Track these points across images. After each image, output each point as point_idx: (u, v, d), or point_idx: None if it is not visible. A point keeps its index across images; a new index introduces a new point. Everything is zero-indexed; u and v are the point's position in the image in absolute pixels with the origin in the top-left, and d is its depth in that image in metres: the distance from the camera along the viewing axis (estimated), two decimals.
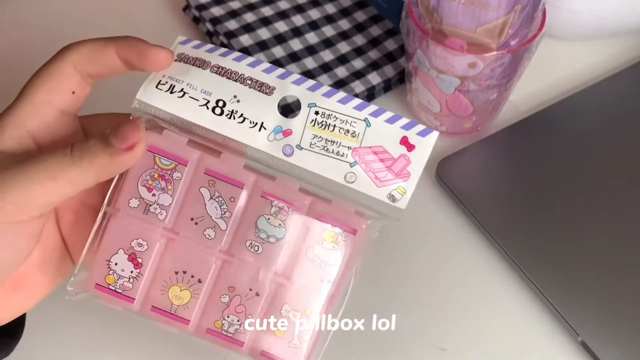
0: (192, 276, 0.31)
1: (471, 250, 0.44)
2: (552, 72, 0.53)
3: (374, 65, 0.52)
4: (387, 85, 0.51)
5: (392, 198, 0.31)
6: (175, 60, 0.32)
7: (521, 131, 0.48)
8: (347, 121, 0.31)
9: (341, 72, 0.51)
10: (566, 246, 0.42)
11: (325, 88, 0.31)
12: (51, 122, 0.31)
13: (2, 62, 0.56)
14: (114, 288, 0.31)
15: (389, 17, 0.54)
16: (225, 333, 0.31)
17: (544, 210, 0.44)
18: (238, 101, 0.31)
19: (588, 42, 0.55)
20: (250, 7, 0.55)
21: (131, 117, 0.31)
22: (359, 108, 0.31)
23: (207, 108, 0.31)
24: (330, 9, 0.56)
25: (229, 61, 0.31)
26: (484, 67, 0.42)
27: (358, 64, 0.52)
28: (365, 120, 0.31)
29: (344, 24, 0.55)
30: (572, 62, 0.54)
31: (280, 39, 0.53)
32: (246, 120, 0.31)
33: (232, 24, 0.53)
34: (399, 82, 0.52)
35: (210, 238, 0.31)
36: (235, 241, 0.31)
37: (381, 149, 0.31)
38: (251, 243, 0.31)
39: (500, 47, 0.42)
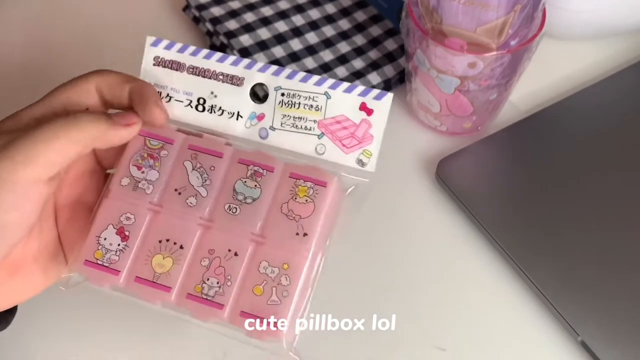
0: (175, 243, 0.33)
1: (471, 250, 0.44)
2: (552, 72, 0.53)
3: (374, 65, 0.52)
4: (387, 85, 0.51)
5: (361, 162, 0.33)
6: (154, 65, 0.35)
7: (521, 131, 0.48)
8: (309, 97, 0.34)
9: (341, 72, 0.51)
10: (566, 246, 0.42)
11: (287, 71, 0.34)
12: None
13: (1, 60, 0.56)
14: (101, 262, 0.33)
15: (389, 17, 0.54)
16: (205, 297, 0.32)
17: (543, 210, 0.44)
18: (215, 96, 0.35)
19: (588, 42, 0.55)
20: (250, 7, 0.55)
21: None
22: (318, 84, 0.34)
23: (191, 107, 0.35)
24: (330, 8, 0.56)
25: (200, 60, 0.35)
26: (483, 67, 0.42)
27: (358, 64, 0.52)
28: (325, 93, 0.34)
29: (344, 24, 0.55)
30: (572, 62, 0.54)
31: (280, 39, 0.53)
32: (224, 112, 0.35)
33: (232, 24, 0.53)
34: (399, 82, 0.52)
35: (192, 205, 0.33)
36: (215, 207, 0.33)
37: (343, 118, 0.34)
38: (229, 206, 0.33)
39: (500, 47, 0.42)
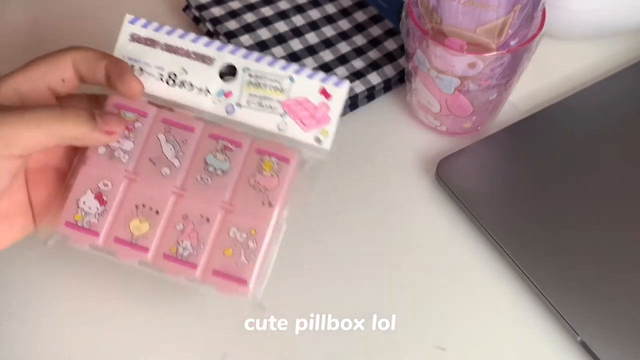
0: (151, 209, 0.36)
1: (471, 249, 0.44)
2: (551, 72, 0.53)
3: (374, 66, 0.52)
4: (387, 86, 0.51)
5: (318, 140, 0.37)
6: (130, 41, 0.38)
7: (521, 131, 0.48)
8: (275, 80, 0.37)
9: (341, 72, 0.52)
10: (566, 246, 0.42)
11: (256, 54, 0.37)
12: (40, 91, 0.36)
13: (1, 59, 0.56)
14: (81, 224, 0.36)
15: (389, 17, 0.55)
16: (180, 257, 0.35)
17: (543, 209, 0.44)
18: (186, 72, 0.38)
19: (588, 42, 0.55)
20: (251, 8, 0.55)
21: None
22: (284, 69, 0.37)
23: (162, 80, 0.38)
24: (330, 9, 0.56)
25: (175, 38, 0.38)
26: (483, 67, 0.42)
27: (358, 64, 0.52)
28: (290, 77, 0.37)
29: (344, 24, 0.55)
30: (572, 62, 0.54)
31: (280, 39, 0.53)
32: (194, 87, 0.37)
33: (232, 24, 0.53)
34: (399, 82, 0.52)
35: (166, 175, 0.36)
36: (188, 177, 0.36)
37: (305, 100, 0.37)
38: (201, 177, 0.36)
39: (500, 47, 0.42)
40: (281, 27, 0.54)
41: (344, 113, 0.50)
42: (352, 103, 0.50)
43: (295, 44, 0.53)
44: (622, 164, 0.47)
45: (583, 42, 0.55)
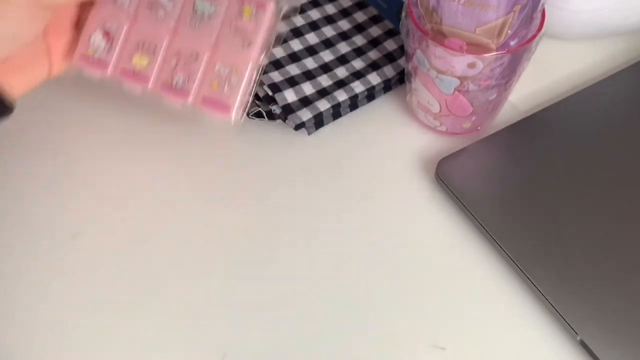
0: (149, 46, 0.42)
1: (470, 249, 0.44)
2: (551, 72, 0.53)
3: (374, 66, 0.52)
4: (387, 86, 0.51)
5: None
6: None
7: (520, 131, 0.48)
8: None
9: (341, 72, 0.52)
10: (565, 245, 0.43)
11: None
12: None
13: None
14: (92, 58, 0.42)
15: (389, 18, 0.55)
16: (175, 86, 0.41)
17: (542, 209, 0.44)
18: None
19: (587, 42, 0.55)
20: None
21: None
22: None
23: None
24: (330, 9, 0.56)
25: None
26: (483, 68, 0.42)
27: (358, 64, 0.52)
28: None
29: (344, 25, 0.55)
30: (572, 62, 0.54)
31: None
32: None
33: None
34: (398, 82, 0.52)
35: (161, 18, 0.41)
36: (180, 19, 0.41)
37: None
38: (190, 20, 0.41)
39: (500, 48, 0.42)
40: (281, 27, 0.54)
41: (344, 113, 0.51)
42: (352, 103, 0.50)
43: (296, 44, 0.53)
44: (622, 164, 0.47)
45: (583, 42, 0.55)
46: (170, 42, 0.42)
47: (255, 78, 0.41)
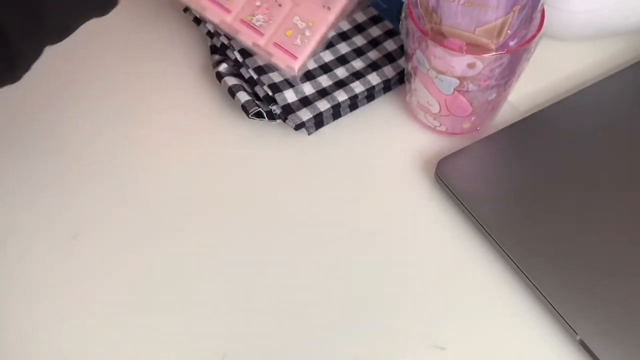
0: None
1: (470, 249, 0.44)
2: (550, 72, 0.53)
3: (374, 66, 0.52)
4: (387, 86, 0.52)
5: None
6: None
7: (520, 131, 0.49)
8: None
9: (341, 72, 0.52)
10: (564, 245, 0.43)
11: None
12: None
13: None
14: None
15: (389, 18, 0.55)
16: (252, 24, 0.46)
17: (542, 209, 0.44)
18: None
19: (587, 43, 0.55)
20: None
21: None
22: None
23: None
24: None
25: None
26: (483, 68, 0.42)
27: (358, 64, 0.52)
28: None
29: (344, 25, 0.55)
30: (571, 63, 0.54)
31: None
32: None
33: None
34: (398, 82, 0.52)
35: None
36: None
37: None
38: None
39: (499, 48, 0.42)
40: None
41: (344, 113, 0.51)
42: (352, 103, 0.50)
43: None
44: (622, 164, 0.47)
45: (582, 42, 0.55)
46: None
47: (324, 40, 0.47)
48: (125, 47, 0.56)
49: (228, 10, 0.47)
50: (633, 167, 0.46)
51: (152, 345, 0.41)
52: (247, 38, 0.47)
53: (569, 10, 0.51)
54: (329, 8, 0.46)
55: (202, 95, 0.53)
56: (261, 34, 0.46)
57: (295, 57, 0.45)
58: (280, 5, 0.46)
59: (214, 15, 0.47)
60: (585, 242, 0.43)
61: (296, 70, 0.45)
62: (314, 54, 0.47)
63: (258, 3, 0.46)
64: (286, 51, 0.45)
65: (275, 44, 0.46)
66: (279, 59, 0.46)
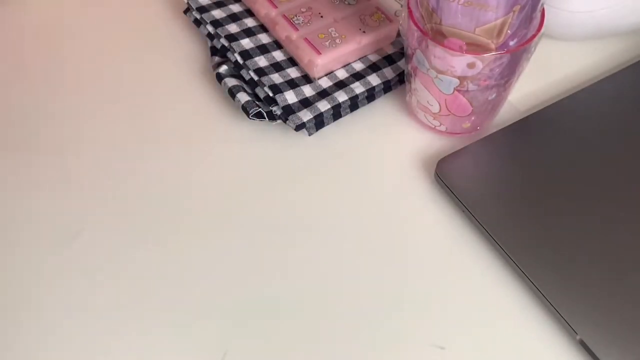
0: None
1: (469, 249, 0.44)
2: (550, 72, 0.53)
3: (374, 67, 0.52)
4: (387, 86, 0.52)
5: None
6: None
7: (520, 131, 0.49)
8: None
9: (341, 73, 0.52)
10: (564, 245, 0.43)
11: None
12: None
13: (2, 60, 0.56)
14: None
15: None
16: (292, 21, 0.52)
17: (542, 209, 0.44)
18: None
19: (587, 43, 0.55)
20: (251, 13, 0.55)
21: None
22: None
23: None
24: None
25: None
26: (483, 68, 0.42)
27: (358, 65, 0.52)
28: None
29: None
30: (571, 63, 0.54)
31: (280, 43, 0.53)
32: None
33: (232, 27, 0.53)
34: (398, 82, 0.52)
35: None
36: None
37: None
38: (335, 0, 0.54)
39: (499, 48, 0.42)
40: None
41: (344, 113, 0.51)
42: (353, 104, 0.50)
43: None
44: (622, 164, 0.47)
45: (582, 42, 0.55)
46: (309, 0, 0.53)
47: (348, 59, 0.51)
48: (126, 48, 0.57)
49: (276, 7, 0.53)
50: (633, 166, 0.46)
51: (152, 344, 0.41)
52: (282, 30, 0.51)
53: (569, 10, 0.51)
54: (364, 32, 0.51)
55: (202, 97, 0.53)
56: (296, 29, 0.51)
57: (319, 52, 0.49)
58: (322, 16, 0.52)
59: (263, 7, 0.53)
60: (586, 242, 0.43)
61: (317, 65, 0.49)
62: (338, 64, 0.51)
63: (304, 9, 0.52)
64: (313, 46, 0.50)
65: (306, 40, 0.50)
66: (304, 51, 0.50)
